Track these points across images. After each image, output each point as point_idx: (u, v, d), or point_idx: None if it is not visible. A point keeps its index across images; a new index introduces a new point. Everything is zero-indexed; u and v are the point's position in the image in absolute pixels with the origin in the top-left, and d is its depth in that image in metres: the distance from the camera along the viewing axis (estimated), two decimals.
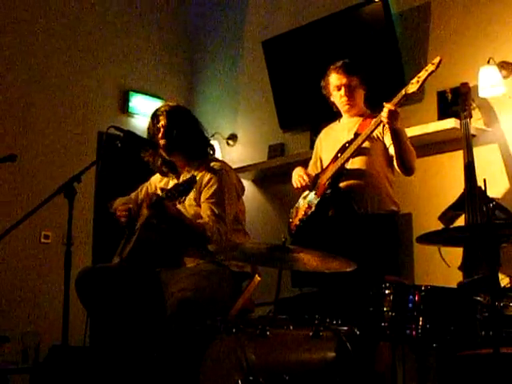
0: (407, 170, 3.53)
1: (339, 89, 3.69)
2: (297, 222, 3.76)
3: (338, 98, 3.72)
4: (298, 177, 3.76)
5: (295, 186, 3.79)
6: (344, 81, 3.66)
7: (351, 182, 3.59)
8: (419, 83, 3.34)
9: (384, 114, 3.36)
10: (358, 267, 2.74)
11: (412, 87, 3.36)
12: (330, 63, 3.80)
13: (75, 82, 5.36)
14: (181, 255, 3.53)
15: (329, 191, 3.61)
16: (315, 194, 3.68)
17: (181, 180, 3.61)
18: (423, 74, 3.34)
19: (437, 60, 3.32)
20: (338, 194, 3.59)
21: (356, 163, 3.60)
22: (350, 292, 3.07)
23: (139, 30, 5.81)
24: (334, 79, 3.70)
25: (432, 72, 3.33)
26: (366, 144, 3.56)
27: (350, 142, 3.59)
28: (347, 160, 3.59)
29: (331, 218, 3.62)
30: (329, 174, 3.65)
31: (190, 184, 3.26)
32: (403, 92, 3.39)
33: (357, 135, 3.59)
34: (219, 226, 3.41)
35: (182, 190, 3.24)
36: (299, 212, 3.76)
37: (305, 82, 5.07)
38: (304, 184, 3.71)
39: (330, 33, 4.83)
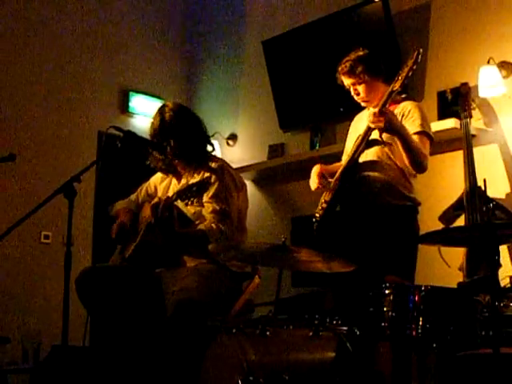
0: (417, 167, 3.39)
1: (350, 87, 3.60)
2: (317, 217, 3.65)
3: (353, 95, 3.61)
4: (312, 178, 3.65)
5: (312, 188, 3.66)
6: (350, 81, 3.56)
7: (362, 174, 3.48)
8: (401, 79, 3.31)
9: (369, 118, 3.34)
10: (364, 263, 2.71)
11: (395, 85, 3.34)
12: (330, 63, 3.76)
13: (75, 81, 5.36)
14: (181, 255, 3.53)
15: (338, 185, 3.51)
16: (329, 189, 3.57)
17: (182, 181, 3.61)
18: (404, 71, 3.32)
19: (414, 53, 3.30)
20: (346, 187, 3.50)
21: (370, 155, 3.49)
22: (359, 286, 3.02)
23: (139, 31, 5.81)
24: (343, 80, 3.60)
25: (412, 66, 3.28)
26: (384, 135, 3.41)
27: (361, 135, 3.49)
28: (356, 152, 3.48)
29: (339, 212, 3.54)
30: (341, 167, 3.56)
31: (203, 185, 3.26)
32: (389, 90, 3.37)
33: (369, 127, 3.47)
34: (223, 225, 3.39)
35: (195, 190, 3.24)
36: (318, 207, 3.66)
37: (305, 81, 5.08)
38: (318, 186, 3.60)
39: (329, 33, 4.84)
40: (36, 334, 4.33)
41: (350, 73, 3.53)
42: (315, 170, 3.65)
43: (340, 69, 3.58)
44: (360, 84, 3.53)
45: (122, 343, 3.46)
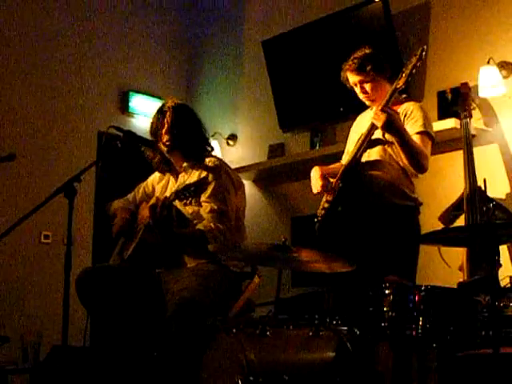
0: (417, 167, 3.38)
1: (356, 85, 3.55)
2: (318, 216, 3.62)
3: (358, 94, 3.56)
4: (314, 182, 3.60)
5: (314, 192, 3.62)
6: (357, 79, 3.51)
7: (365, 174, 3.45)
8: (405, 77, 3.30)
9: (371, 114, 3.33)
10: (366, 263, 2.70)
11: (399, 82, 3.33)
12: (330, 63, 3.75)
13: (75, 82, 5.36)
14: (180, 255, 3.53)
15: (339, 186, 3.48)
16: (331, 189, 3.54)
17: (180, 180, 3.61)
18: (408, 68, 3.31)
19: (419, 51, 3.29)
20: (347, 188, 3.46)
21: (372, 154, 3.47)
22: (359, 286, 3.01)
23: (139, 31, 5.81)
24: (349, 77, 3.55)
25: (417, 63, 3.27)
26: (386, 135, 3.39)
27: (364, 134, 3.46)
28: (359, 152, 3.44)
29: (341, 212, 3.51)
30: (343, 167, 3.53)
31: (201, 185, 3.26)
32: (392, 87, 3.37)
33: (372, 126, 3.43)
34: (221, 224, 3.39)
35: (193, 190, 3.24)
36: (319, 207, 3.64)
37: (305, 81, 5.08)
38: (320, 190, 3.56)
39: (330, 33, 4.84)
40: (36, 334, 4.33)
41: (359, 70, 3.49)
42: (316, 172, 3.61)
43: (347, 66, 3.53)
44: (367, 82, 3.49)
45: (121, 343, 3.46)
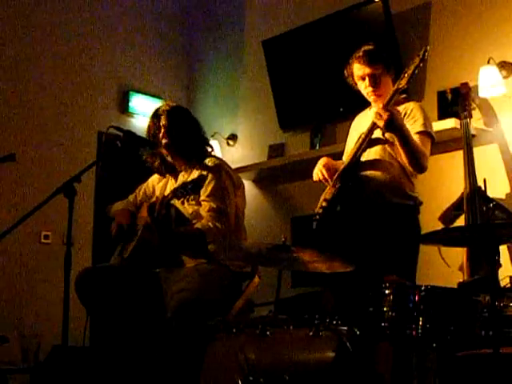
0: (416, 166, 3.36)
1: (363, 79, 3.48)
2: (316, 215, 3.60)
3: (363, 88, 3.51)
4: (317, 169, 3.57)
5: (314, 178, 3.59)
6: (367, 71, 3.44)
7: (364, 173, 3.43)
8: (408, 77, 3.29)
9: (372, 115, 3.33)
10: (365, 262, 2.70)
11: (401, 82, 3.32)
12: (330, 63, 3.75)
13: (75, 81, 5.36)
14: (180, 255, 3.53)
15: (338, 185, 3.46)
16: (331, 188, 3.52)
17: (179, 180, 3.61)
18: (410, 68, 3.30)
19: (422, 51, 3.28)
20: (349, 186, 3.44)
21: (372, 154, 3.45)
22: (359, 286, 3.01)
23: (139, 31, 5.81)
24: (357, 69, 3.49)
25: (419, 63, 3.26)
26: (386, 134, 3.37)
27: (364, 133, 3.43)
28: (358, 151, 3.42)
29: (340, 212, 3.50)
30: (343, 166, 3.51)
31: (198, 183, 3.26)
32: (394, 87, 3.36)
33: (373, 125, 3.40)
34: (220, 223, 3.39)
35: (190, 188, 3.24)
36: (318, 205, 3.62)
37: (305, 81, 5.08)
38: (322, 178, 3.53)
39: (330, 33, 4.84)
40: (36, 334, 4.33)
41: (371, 62, 3.44)
42: (322, 161, 3.58)
43: (356, 59, 3.49)
44: (378, 76, 3.45)
45: (121, 343, 3.46)
